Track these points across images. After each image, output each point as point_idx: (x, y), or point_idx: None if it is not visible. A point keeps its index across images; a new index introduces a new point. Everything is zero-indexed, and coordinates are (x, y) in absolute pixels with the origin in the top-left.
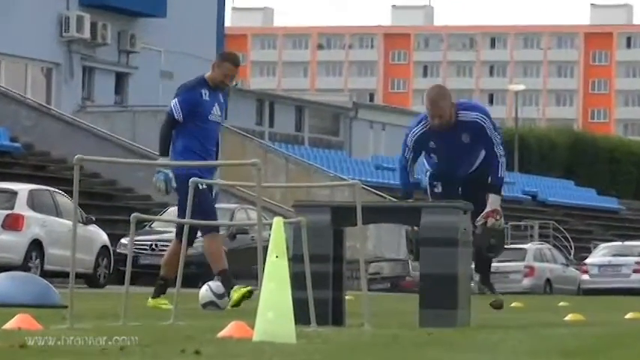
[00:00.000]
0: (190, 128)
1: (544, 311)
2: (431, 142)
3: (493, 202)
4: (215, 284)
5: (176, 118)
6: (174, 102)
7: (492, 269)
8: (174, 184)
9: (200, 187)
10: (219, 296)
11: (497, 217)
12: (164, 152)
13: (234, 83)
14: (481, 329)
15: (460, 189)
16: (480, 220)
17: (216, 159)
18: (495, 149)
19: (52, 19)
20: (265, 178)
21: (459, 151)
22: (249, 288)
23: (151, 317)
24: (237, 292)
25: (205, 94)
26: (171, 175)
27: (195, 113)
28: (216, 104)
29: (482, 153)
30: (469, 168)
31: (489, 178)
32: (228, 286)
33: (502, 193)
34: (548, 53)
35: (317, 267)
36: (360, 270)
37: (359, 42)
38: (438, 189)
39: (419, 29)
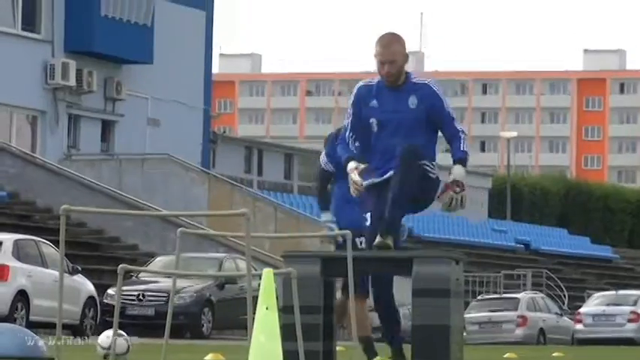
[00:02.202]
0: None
1: None
2: (374, 100)
3: (456, 173)
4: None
5: (326, 169)
6: (322, 154)
7: (485, 319)
8: (340, 239)
9: (359, 245)
10: None
11: (457, 190)
12: (323, 207)
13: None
14: None
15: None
16: (439, 196)
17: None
18: (455, 124)
19: (37, 66)
20: (254, 226)
21: (402, 115)
22: None
23: None
24: None
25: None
26: (335, 227)
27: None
28: None
29: (425, 137)
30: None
31: (452, 154)
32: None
33: (466, 167)
34: (540, 99)
35: (307, 318)
36: (350, 320)
37: (348, 88)
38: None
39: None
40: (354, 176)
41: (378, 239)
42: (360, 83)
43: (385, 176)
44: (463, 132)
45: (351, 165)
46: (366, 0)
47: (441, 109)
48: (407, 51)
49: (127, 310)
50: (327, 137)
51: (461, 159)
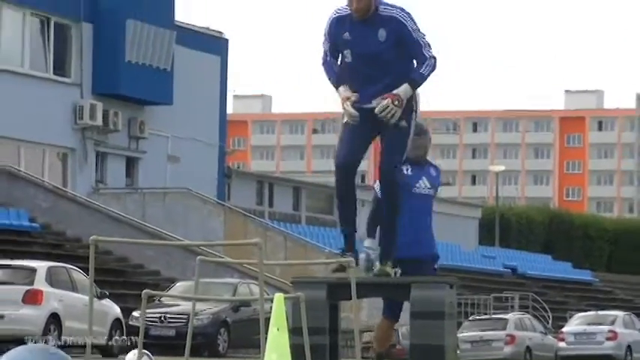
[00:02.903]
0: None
1: None
2: (346, 32)
3: (401, 89)
4: None
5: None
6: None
7: (477, 338)
8: (377, 267)
9: (393, 275)
10: None
11: (396, 102)
12: (369, 234)
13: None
14: None
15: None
16: (377, 101)
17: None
18: (424, 51)
19: (67, 108)
20: (266, 254)
21: (374, 48)
22: None
23: None
24: None
25: (407, 169)
26: (372, 255)
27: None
28: (423, 177)
29: (399, 66)
30: (383, 82)
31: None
32: None
33: (415, 90)
34: (526, 136)
35: (314, 339)
36: (354, 339)
37: None
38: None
39: None
40: (349, 108)
41: (378, 267)
42: (332, 15)
43: (368, 106)
44: (433, 58)
45: (344, 92)
46: None
47: (409, 37)
48: None
49: (150, 331)
50: None
51: (413, 80)
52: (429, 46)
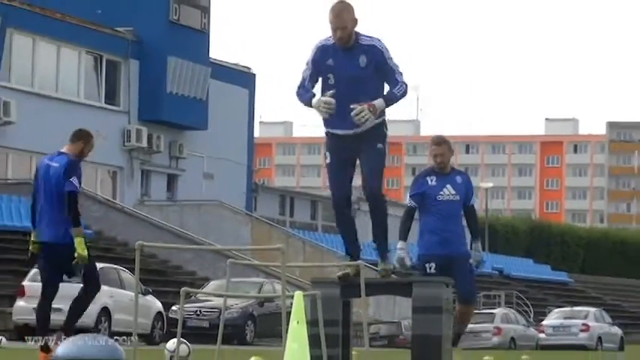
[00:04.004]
0: (423, 211)
1: None
2: (330, 59)
3: (377, 101)
4: None
5: (411, 206)
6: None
7: (468, 330)
8: (408, 263)
9: (428, 270)
10: None
11: (371, 109)
12: (401, 237)
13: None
14: None
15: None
16: (354, 106)
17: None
18: (397, 76)
19: (116, 132)
20: (287, 257)
21: (355, 73)
22: None
23: None
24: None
25: (432, 180)
26: (403, 254)
27: (424, 196)
28: (447, 185)
29: (376, 90)
30: (361, 103)
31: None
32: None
33: (388, 106)
34: (511, 157)
35: (329, 330)
36: (363, 330)
37: None
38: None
39: (409, 139)
40: (326, 98)
41: (380, 267)
42: (318, 44)
43: (343, 132)
44: (404, 84)
45: (317, 98)
46: None
47: (385, 64)
48: (355, 16)
49: (187, 322)
50: (413, 180)
51: (387, 97)
52: (402, 74)
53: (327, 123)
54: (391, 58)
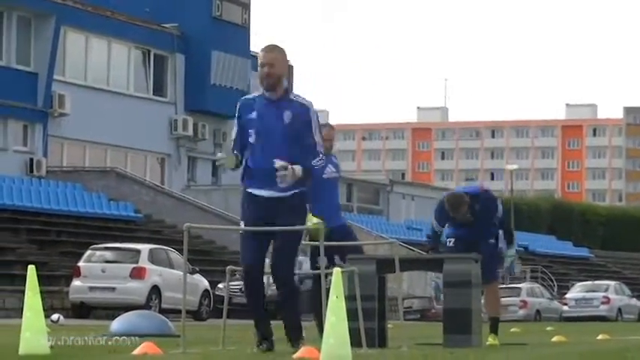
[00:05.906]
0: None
1: (536, 334)
2: (254, 111)
3: (296, 166)
4: None
5: (435, 229)
6: (433, 217)
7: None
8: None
9: (448, 244)
10: None
11: (290, 171)
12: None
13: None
14: (490, 349)
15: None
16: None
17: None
18: (318, 149)
19: (164, 121)
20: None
21: (277, 130)
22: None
23: (241, 344)
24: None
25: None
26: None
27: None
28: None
29: (294, 149)
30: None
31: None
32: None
33: (304, 178)
34: (534, 141)
35: (366, 304)
36: (397, 305)
37: (393, 135)
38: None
39: (438, 125)
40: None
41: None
42: (243, 98)
43: (261, 194)
44: (322, 160)
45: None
46: (404, 73)
47: (310, 130)
48: (287, 63)
49: (232, 299)
50: (437, 207)
51: (307, 167)
52: (321, 152)
53: (243, 180)
54: (318, 128)
